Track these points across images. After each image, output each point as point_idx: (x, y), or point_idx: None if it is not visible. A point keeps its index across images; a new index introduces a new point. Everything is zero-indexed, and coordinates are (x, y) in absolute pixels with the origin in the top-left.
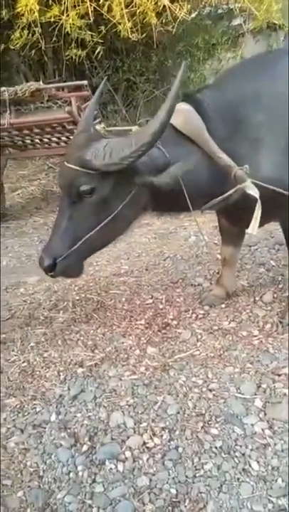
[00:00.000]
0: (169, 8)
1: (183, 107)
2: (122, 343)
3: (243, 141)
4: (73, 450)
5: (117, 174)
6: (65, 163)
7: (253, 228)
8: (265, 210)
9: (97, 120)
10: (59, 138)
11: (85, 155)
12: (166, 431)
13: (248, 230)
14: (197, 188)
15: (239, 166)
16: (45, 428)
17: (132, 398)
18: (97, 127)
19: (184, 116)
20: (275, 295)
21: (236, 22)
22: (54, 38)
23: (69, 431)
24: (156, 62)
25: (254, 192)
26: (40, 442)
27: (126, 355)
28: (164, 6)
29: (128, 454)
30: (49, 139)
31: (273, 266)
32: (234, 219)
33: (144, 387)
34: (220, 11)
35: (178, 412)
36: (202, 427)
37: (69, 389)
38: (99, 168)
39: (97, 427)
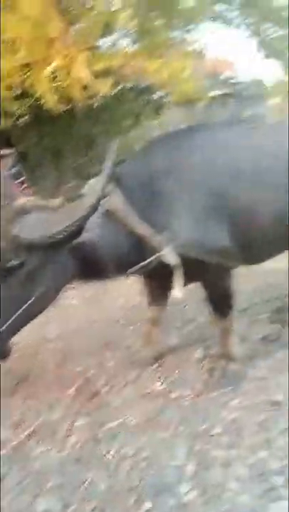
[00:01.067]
0: (91, 84)
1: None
2: (50, 416)
3: (160, 211)
4: None
5: (45, 246)
6: None
7: (178, 292)
8: (187, 272)
9: (21, 179)
10: None
11: (12, 230)
12: (97, 511)
13: (174, 294)
14: (120, 255)
15: (158, 233)
16: None
17: (59, 478)
18: (21, 200)
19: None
20: (204, 352)
21: (159, 94)
22: None
23: None
24: (82, 131)
25: (173, 259)
26: None
27: (53, 430)
28: (88, 81)
29: None
30: None
31: (202, 323)
32: (158, 281)
33: (73, 464)
34: (142, 85)
35: (109, 488)
36: (134, 502)
37: None
38: (30, 243)
39: None
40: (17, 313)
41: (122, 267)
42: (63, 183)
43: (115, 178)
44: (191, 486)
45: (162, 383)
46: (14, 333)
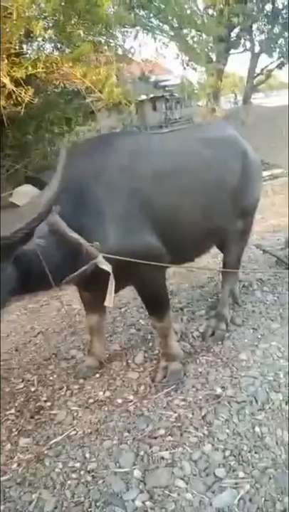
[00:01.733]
0: (14, 91)
1: (26, 189)
2: None
3: (88, 216)
4: None
5: None
6: None
7: (109, 301)
8: (119, 277)
9: None
10: None
11: None
12: None
13: (105, 303)
14: (53, 264)
15: (88, 240)
16: None
17: (3, 504)
18: None
19: (30, 197)
20: (146, 355)
21: (88, 99)
22: None
23: None
24: (13, 139)
25: (106, 267)
26: None
27: None
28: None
29: None
30: None
31: (143, 325)
32: (91, 290)
33: (17, 487)
34: (70, 90)
35: (55, 507)
36: None
37: None
38: None
39: None
40: None
41: (60, 277)
42: None
43: (38, 187)
44: (138, 491)
45: (106, 391)
46: None
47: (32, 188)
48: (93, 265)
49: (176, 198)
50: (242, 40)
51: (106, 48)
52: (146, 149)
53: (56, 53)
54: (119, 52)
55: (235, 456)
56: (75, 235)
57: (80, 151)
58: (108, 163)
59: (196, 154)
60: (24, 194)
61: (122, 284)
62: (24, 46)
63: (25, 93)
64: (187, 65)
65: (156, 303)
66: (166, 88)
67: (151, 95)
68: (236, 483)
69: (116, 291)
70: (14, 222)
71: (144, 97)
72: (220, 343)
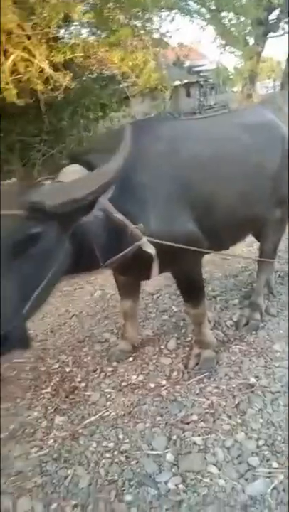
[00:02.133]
0: (52, 76)
1: (74, 168)
2: (28, 416)
3: (132, 200)
4: None
5: (58, 218)
6: None
7: (152, 285)
8: (149, 263)
9: None
10: None
11: (30, 197)
12: (79, 508)
13: (148, 288)
14: (99, 245)
15: (132, 223)
16: None
17: (40, 477)
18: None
19: (79, 175)
20: (179, 341)
21: (123, 85)
22: None
23: None
24: (49, 124)
25: (150, 249)
26: None
27: (32, 430)
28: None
29: None
30: None
31: (176, 312)
32: (129, 274)
33: (53, 463)
34: (105, 76)
35: (90, 484)
36: (116, 496)
37: None
38: (51, 210)
39: None
40: (36, 293)
41: (104, 259)
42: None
43: (85, 167)
44: (171, 474)
45: (139, 375)
46: (28, 320)
47: (80, 168)
48: (137, 247)
49: (214, 184)
50: (281, 23)
51: (142, 32)
52: (186, 135)
53: (92, 38)
54: (156, 36)
55: (268, 446)
56: (120, 216)
57: (114, 139)
58: (149, 149)
59: (235, 140)
60: (72, 173)
61: (159, 269)
62: (61, 31)
63: (63, 78)
64: (224, 49)
65: (192, 289)
66: (201, 74)
67: (186, 81)
68: (270, 473)
69: (149, 277)
70: (74, 191)
71: (177, 82)
72: (254, 332)
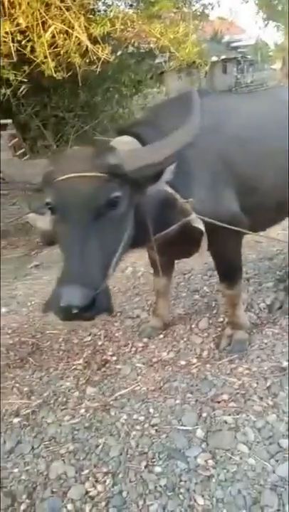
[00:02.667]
0: (92, 49)
1: (126, 139)
2: (60, 385)
3: (178, 176)
4: (10, 511)
5: (133, 184)
6: (77, 174)
7: (200, 262)
8: (198, 241)
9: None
10: None
11: (111, 160)
12: (109, 475)
13: (196, 265)
14: (151, 219)
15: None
16: None
17: (72, 444)
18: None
19: (131, 146)
20: (210, 321)
21: (159, 60)
22: None
23: (5, 490)
24: (84, 99)
25: (200, 225)
26: None
27: (65, 399)
28: (87, 47)
29: (70, 506)
30: None
31: (207, 292)
32: (171, 251)
33: (84, 431)
34: (142, 51)
35: (120, 454)
36: (146, 466)
37: (5, 442)
38: (132, 172)
39: (36, 481)
40: (117, 254)
41: (154, 232)
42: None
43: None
44: (200, 450)
45: (169, 352)
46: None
47: (131, 139)
48: (186, 222)
49: (258, 163)
50: None
51: (183, 3)
52: (231, 110)
53: (131, 11)
54: (198, 7)
55: None
56: (171, 190)
57: (165, 110)
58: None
59: (279, 117)
60: (124, 144)
61: (197, 249)
62: (99, 3)
63: (102, 51)
64: (266, 24)
65: (230, 270)
66: (239, 49)
67: (223, 57)
68: None
69: (189, 255)
70: (151, 156)
71: (214, 58)
72: (287, 316)
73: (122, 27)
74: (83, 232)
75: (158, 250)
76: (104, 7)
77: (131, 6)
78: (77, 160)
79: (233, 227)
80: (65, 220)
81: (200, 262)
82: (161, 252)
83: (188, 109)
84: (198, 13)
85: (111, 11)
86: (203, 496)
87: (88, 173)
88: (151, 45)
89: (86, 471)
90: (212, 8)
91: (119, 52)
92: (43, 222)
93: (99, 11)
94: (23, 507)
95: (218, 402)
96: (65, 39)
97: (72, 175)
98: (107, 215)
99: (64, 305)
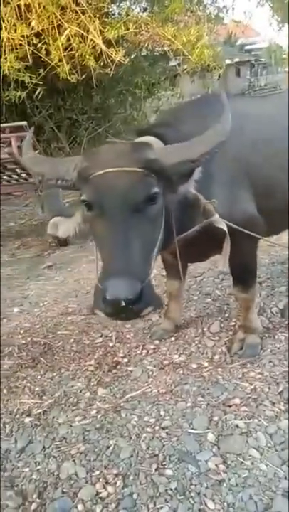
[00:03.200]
0: (106, 52)
1: (151, 138)
2: (72, 386)
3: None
4: (21, 510)
5: (167, 180)
6: (115, 169)
7: (223, 264)
8: (214, 245)
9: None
10: (0, 177)
11: (148, 155)
12: (120, 477)
13: (219, 267)
14: (175, 219)
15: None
16: None
17: (83, 445)
18: None
19: (157, 146)
20: (222, 325)
21: (173, 63)
22: None
23: (16, 488)
24: (98, 101)
25: (223, 226)
26: None
27: (76, 399)
28: (102, 50)
29: (80, 507)
30: None
31: (219, 295)
32: (184, 254)
33: (95, 432)
34: (156, 54)
35: (131, 456)
36: (156, 469)
37: (16, 441)
38: (170, 167)
39: (47, 481)
40: (156, 249)
41: (177, 232)
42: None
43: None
44: (211, 454)
45: (181, 355)
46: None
47: (154, 139)
48: (208, 223)
49: (274, 165)
50: None
51: (197, 6)
52: (248, 113)
53: (145, 14)
54: (212, 11)
55: None
56: (194, 191)
57: (185, 113)
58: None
59: None
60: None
61: (214, 252)
62: (114, 6)
63: (116, 54)
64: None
65: (245, 274)
66: (253, 52)
67: (236, 60)
68: None
69: (206, 258)
70: (187, 152)
71: (228, 61)
72: None
73: (136, 30)
74: (124, 227)
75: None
76: (118, 10)
77: (145, 9)
78: (115, 155)
79: (248, 232)
80: (104, 216)
81: (223, 264)
82: (172, 257)
83: (213, 111)
84: (213, 17)
85: (127, 14)
86: (213, 500)
87: (127, 167)
88: (165, 48)
89: (97, 472)
90: (226, 12)
91: (132, 55)
92: (66, 226)
93: (113, 14)
94: (33, 506)
95: (230, 406)
96: (80, 42)
97: (111, 169)
98: (146, 210)
99: (111, 298)
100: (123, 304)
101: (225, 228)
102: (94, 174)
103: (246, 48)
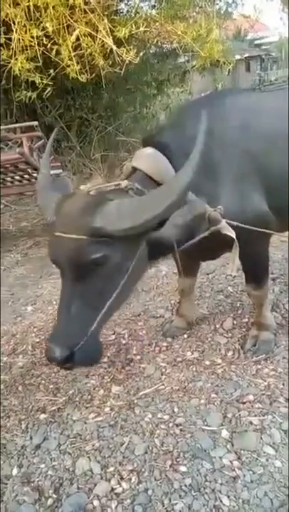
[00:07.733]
0: (116, 52)
1: (149, 151)
2: (86, 383)
3: (203, 178)
4: (37, 505)
5: (125, 239)
6: (62, 234)
7: (232, 269)
8: (225, 243)
9: (51, 158)
10: (12, 177)
11: (93, 222)
12: (135, 473)
13: (228, 272)
14: (176, 229)
15: (209, 204)
16: (6, 484)
17: (97, 441)
18: (82, 187)
19: (152, 160)
20: (235, 321)
21: (182, 59)
22: (3, 81)
23: (32, 484)
24: (107, 100)
25: (230, 232)
26: (2, 500)
27: (90, 397)
28: (112, 49)
29: (96, 502)
30: (3, 179)
31: (231, 292)
32: (199, 255)
33: (109, 429)
34: (165, 51)
35: (145, 452)
36: (170, 465)
37: (31, 438)
38: (115, 234)
39: (63, 477)
40: (105, 309)
41: (179, 244)
42: (89, 155)
43: (159, 149)
44: (226, 450)
45: (194, 352)
46: (101, 330)
47: (154, 151)
48: (214, 231)
49: (284, 161)
50: None
51: (206, 2)
52: (256, 108)
53: (154, 11)
54: (221, 5)
55: None
56: (199, 201)
57: (191, 111)
58: (220, 123)
59: None
60: (147, 157)
61: (225, 250)
62: (122, 5)
63: (126, 53)
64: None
65: (258, 270)
66: (262, 47)
67: (246, 55)
68: None
69: (217, 257)
70: (146, 206)
71: (238, 56)
72: None
73: (147, 29)
74: (69, 292)
75: (184, 253)
76: (127, 8)
77: (153, 6)
78: (68, 216)
79: (261, 230)
80: (60, 273)
81: (232, 269)
82: (187, 255)
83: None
84: (222, 12)
85: (137, 12)
86: (228, 496)
87: (70, 235)
88: (174, 45)
89: (111, 469)
90: (236, 6)
91: (141, 53)
92: None
93: (122, 12)
94: (49, 502)
95: (244, 403)
96: (91, 40)
97: (61, 234)
98: (93, 274)
99: (47, 356)
100: (55, 363)
101: (233, 235)
102: (53, 233)
103: (256, 42)
